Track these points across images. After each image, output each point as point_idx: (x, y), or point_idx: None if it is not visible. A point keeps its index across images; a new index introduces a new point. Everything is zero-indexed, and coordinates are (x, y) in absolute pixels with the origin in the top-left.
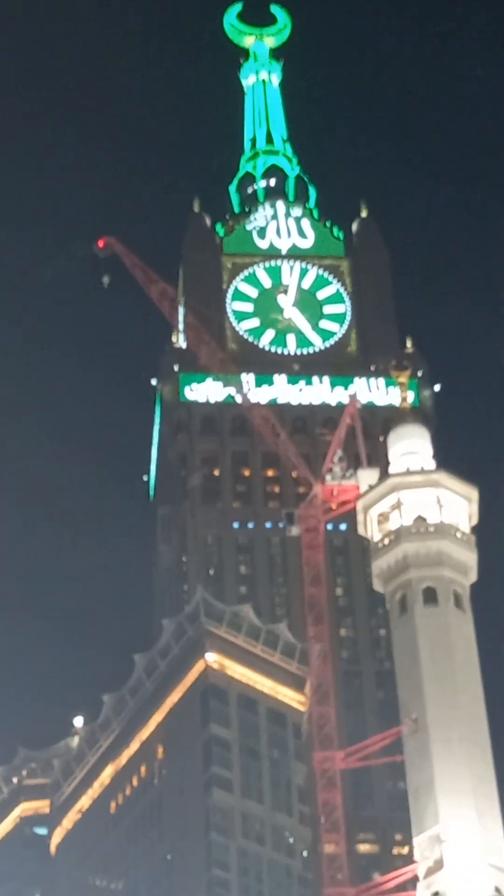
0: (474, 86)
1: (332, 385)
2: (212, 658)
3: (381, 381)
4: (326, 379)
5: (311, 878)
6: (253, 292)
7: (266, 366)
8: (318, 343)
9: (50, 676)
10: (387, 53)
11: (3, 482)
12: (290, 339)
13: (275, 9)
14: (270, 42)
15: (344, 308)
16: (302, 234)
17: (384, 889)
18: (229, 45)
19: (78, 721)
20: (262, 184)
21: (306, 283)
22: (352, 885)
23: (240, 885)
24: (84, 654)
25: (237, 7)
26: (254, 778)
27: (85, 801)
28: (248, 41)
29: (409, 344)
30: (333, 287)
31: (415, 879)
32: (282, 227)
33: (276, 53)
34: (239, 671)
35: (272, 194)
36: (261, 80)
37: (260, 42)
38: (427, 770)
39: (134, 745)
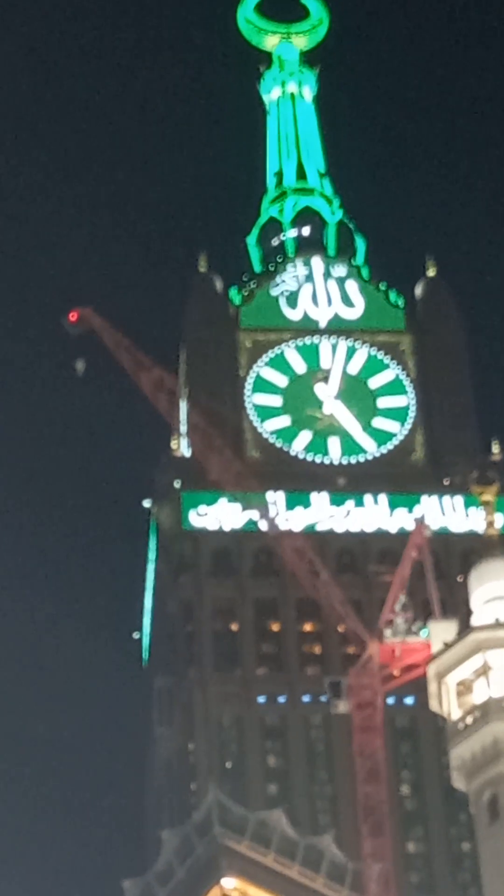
0: None
1: (392, 506)
2: (230, 884)
3: (459, 499)
4: (383, 497)
5: None
6: (282, 381)
7: (300, 480)
8: (372, 449)
9: None
10: (458, 57)
11: None
12: (333, 443)
13: None
14: (301, 43)
15: (406, 401)
16: (347, 300)
17: None
18: (246, 48)
19: None
20: (293, 233)
21: (354, 368)
22: None
23: None
24: (61, 880)
25: None
26: None
27: None
28: (271, 42)
29: (495, 449)
30: (392, 372)
31: None
32: (319, 291)
33: (308, 58)
34: None
35: (306, 247)
36: (288, 93)
37: (287, 43)
38: None
39: None
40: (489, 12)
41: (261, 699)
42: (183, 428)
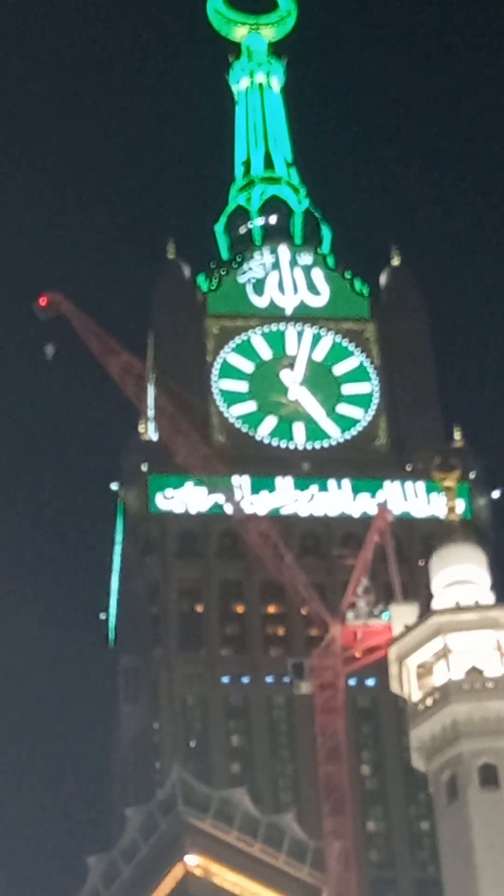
0: None
1: (355, 491)
2: (193, 861)
3: (421, 485)
4: (347, 482)
5: None
6: (248, 366)
7: (265, 465)
8: (336, 434)
9: None
10: (423, 48)
11: None
12: (298, 428)
13: None
14: (269, 34)
15: (369, 387)
16: (313, 288)
17: None
18: (215, 38)
19: None
20: (260, 221)
21: (319, 355)
22: None
23: None
24: (22, 855)
25: None
26: None
27: None
28: (240, 33)
29: (457, 436)
30: (356, 359)
31: None
32: (286, 279)
33: (277, 49)
34: (230, 879)
35: (273, 236)
36: (257, 83)
37: (255, 34)
38: None
39: None
40: (453, 4)
41: (225, 679)
42: (150, 412)
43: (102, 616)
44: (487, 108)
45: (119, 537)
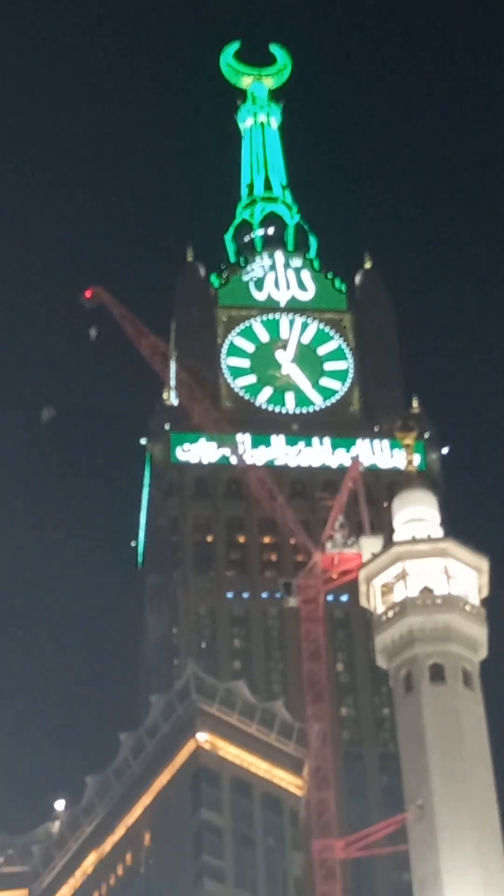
0: (487, 132)
1: (333, 447)
2: (203, 738)
3: (386, 442)
4: (327, 440)
5: None
6: (249, 347)
7: (263, 425)
8: (319, 402)
9: (30, 757)
10: (393, 96)
11: None
12: (289, 397)
13: (274, 48)
14: (269, 83)
15: (346, 365)
16: (302, 286)
17: None
18: (226, 86)
19: (59, 804)
20: (260, 232)
21: (306, 338)
22: None
23: None
24: (66, 733)
25: (234, 46)
26: (248, 868)
27: (66, 892)
28: (246, 82)
29: (415, 404)
30: (335, 342)
31: None
32: (280, 278)
33: (275, 95)
34: (232, 752)
35: (270, 244)
36: (259, 122)
37: (258, 83)
38: (433, 861)
39: (119, 831)
40: (412, 52)
41: (229, 595)
42: (172, 383)
43: (133, 544)
44: (454, 130)
45: (147, 482)
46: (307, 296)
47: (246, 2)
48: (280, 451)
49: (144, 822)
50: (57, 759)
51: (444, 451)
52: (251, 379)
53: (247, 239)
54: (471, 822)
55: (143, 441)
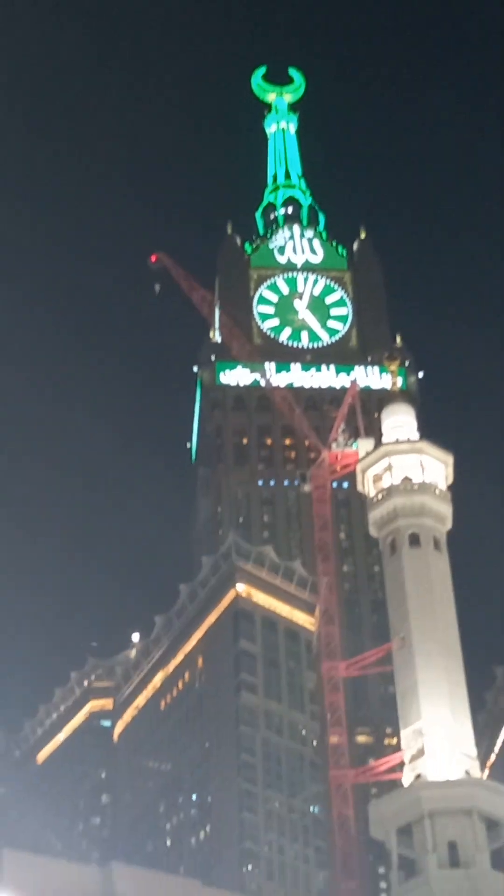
0: (461, 125)
1: (337, 372)
2: (241, 588)
3: (376, 369)
4: (332, 367)
5: (319, 762)
6: (274, 298)
7: (285, 356)
8: (326, 338)
9: (114, 602)
10: (385, 109)
11: (72, 455)
12: (304, 335)
13: (292, 71)
14: (289, 98)
15: (346, 311)
16: (313, 251)
17: (378, 772)
18: (256, 101)
19: (135, 637)
20: (282, 211)
21: (317, 291)
22: (352, 769)
23: (263, 767)
24: (141, 585)
25: (262, 69)
26: (274, 683)
27: (141, 700)
28: (271, 97)
29: (398, 339)
30: (338, 294)
31: (401, 764)
32: (297, 245)
33: (293, 107)
34: (263, 598)
35: (290, 220)
36: (281, 128)
37: (280, 98)
38: (411, 677)
39: (179, 657)
40: (404, 73)
41: (260, 483)
42: (216, 325)
43: (188, 445)
44: (433, 135)
45: (198, 399)
46: (317, 259)
47: (271, 36)
48: (297, 376)
49: (198, 649)
50: (134, 603)
51: (421, 375)
52: (275, 322)
53: (272, 216)
54: (439, 648)
55: (195, 368)
